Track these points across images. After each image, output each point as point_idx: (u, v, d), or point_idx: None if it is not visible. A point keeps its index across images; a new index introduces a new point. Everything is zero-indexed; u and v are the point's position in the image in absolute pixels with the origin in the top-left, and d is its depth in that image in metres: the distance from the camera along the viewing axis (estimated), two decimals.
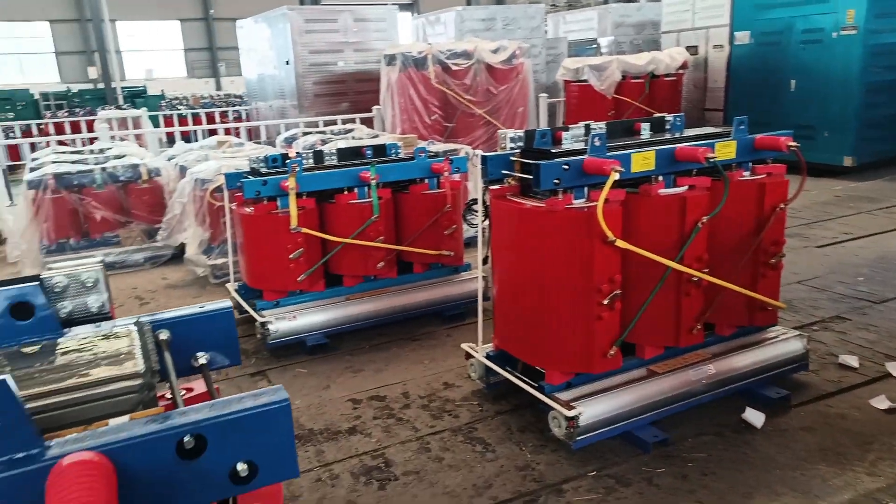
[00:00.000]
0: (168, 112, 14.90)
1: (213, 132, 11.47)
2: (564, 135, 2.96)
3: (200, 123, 13.25)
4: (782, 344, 3.11)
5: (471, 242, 5.36)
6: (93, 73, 36.50)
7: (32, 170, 6.04)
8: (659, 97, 9.48)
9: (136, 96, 25.62)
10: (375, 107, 9.38)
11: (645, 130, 3.20)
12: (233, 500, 0.88)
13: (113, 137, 9.17)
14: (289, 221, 3.79)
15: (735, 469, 2.57)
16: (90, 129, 13.25)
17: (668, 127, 3.30)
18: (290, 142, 7.33)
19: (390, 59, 8.68)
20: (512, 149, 2.97)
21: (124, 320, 1.13)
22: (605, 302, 2.62)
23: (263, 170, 4.05)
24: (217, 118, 14.52)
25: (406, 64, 8.39)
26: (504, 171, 2.91)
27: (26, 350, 0.97)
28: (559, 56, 12.36)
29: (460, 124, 8.62)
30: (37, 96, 25.23)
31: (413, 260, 4.32)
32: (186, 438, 0.79)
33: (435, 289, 4.33)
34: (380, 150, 4.38)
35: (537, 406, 2.90)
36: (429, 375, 3.52)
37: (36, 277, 1.10)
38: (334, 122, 9.13)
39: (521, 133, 3.05)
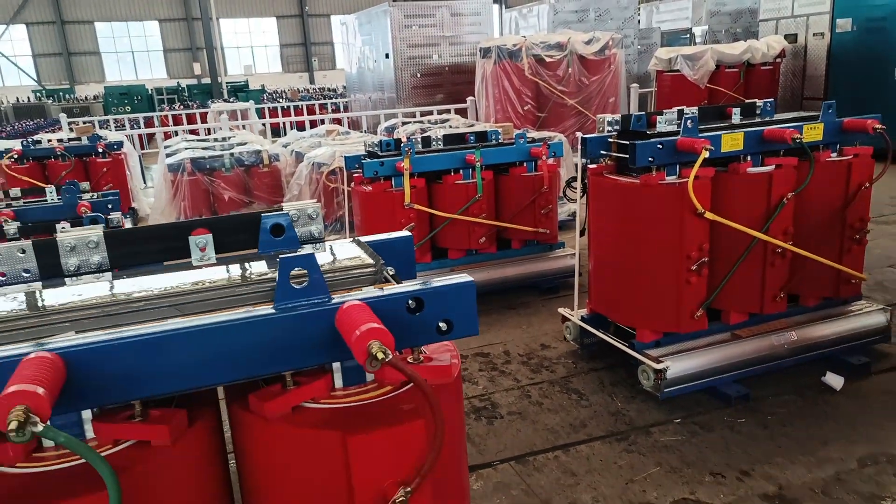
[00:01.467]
0: (272, 105, 15.90)
1: (312, 123, 12.25)
2: (659, 119, 3.25)
3: (301, 114, 14.10)
4: (865, 316, 3.28)
5: (563, 225, 5.68)
6: (197, 68, 38.90)
7: (168, 156, 6.83)
8: (755, 86, 9.39)
9: (238, 90, 27.24)
10: (470, 97, 9.80)
11: (736, 115, 3.44)
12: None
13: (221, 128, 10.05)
14: (402, 198, 4.25)
15: (813, 422, 2.80)
16: (203, 121, 14.38)
17: (758, 112, 3.51)
18: (390, 131, 7.86)
19: (485, 52, 9.06)
20: (609, 132, 3.29)
21: (340, 241, 1.57)
22: (694, 268, 2.91)
23: (379, 153, 4.54)
24: (317, 110, 15.35)
25: (501, 56, 8.75)
26: (602, 152, 3.23)
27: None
28: (651, 46, 12.37)
29: (552, 114, 8.91)
30: (150, 91, 27.24)
31: (511, 236, 4.70)
32: (410, 301, 1.20)
33: (531, 263, 4.70)
34: (481, 136, 4.78)
35: (628, 364, 3.22)
36: (527, 338, 3.90)
37: (281, 209, 1.55)
38: (430, 113, 9.62)
39: (618, 117, 3.38)
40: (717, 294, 3.03)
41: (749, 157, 3.04)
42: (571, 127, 8.77)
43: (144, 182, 9.16)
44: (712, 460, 2.60)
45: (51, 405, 0.90)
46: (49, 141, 7.00)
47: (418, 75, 10.47)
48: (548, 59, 8.74)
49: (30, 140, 6.87)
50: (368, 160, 4.40)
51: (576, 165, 3.32)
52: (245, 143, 7.07)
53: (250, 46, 41.19)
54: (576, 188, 3.53)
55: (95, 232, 1.43)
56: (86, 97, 29.91)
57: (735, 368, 3.06)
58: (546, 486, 2.52)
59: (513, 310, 4.38)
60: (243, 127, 11.46)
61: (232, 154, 6.52)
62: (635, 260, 3.04)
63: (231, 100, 20.58)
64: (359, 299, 1.15)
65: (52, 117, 22.67)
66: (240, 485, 1.27)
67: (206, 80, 32.91)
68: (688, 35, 13.23)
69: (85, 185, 3.87)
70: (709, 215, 2.85)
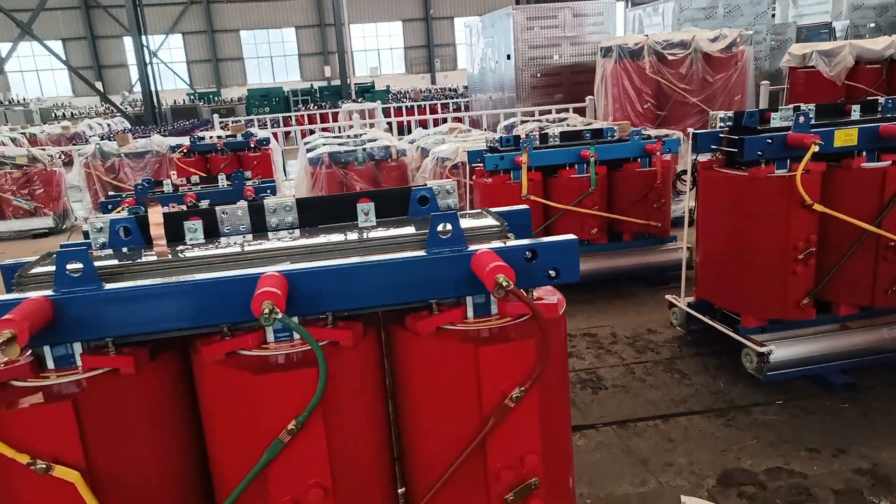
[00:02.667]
0: (397, 105, 16.74)
1: (435, 122, 12.84)
2: (773, 115, 3.38)
3: (424, 113, 14.78)
4: None
5: (677, 222, 5.76)
6: (328, 71, 41.18)
7: (308, 151, 7.57)
8: None
9: (365, 91, 28.65)
10: (589, 97, 9.95)
11: (855, 112, 3.48)
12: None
13: (352, 126, 10.84)
14: (520, 190, 4.59)
15: None
16: (334, 120, 15.43)
17: (880, 109, 3.53)
18: (509, 129, 8.21)
19: (606, 51, 9.19)
20: (721, 127, 3.46)
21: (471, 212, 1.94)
22: (800, 258, 3.03)
23: (499, 148, 4.90)
24: (439, 109, 16.01)
25: (622, 55, 8.85)
26: (713, 146, 3.41)
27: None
28: (786, 42, 11.87)
29: (672, 113, 8.88)
30: (287, 93, 29.26)
31: (623, 229, 4.91)
32: (527, 252, 1.54)
33: (641, 255, 4.88)
34: (597, 133, 5.02)
35: (732, 351, 3.37)
36: (634, 323, 4.11)
37: (426, 186, 1.95)
38: (549, 112, 9.87)
39: (730, 114, 3.52)
40: (825, 285, 3.13)
41: (864, 154, 3.11)
42: (692, 125, 8.69)
43: (285, 174, 10.10)
44: (809, 438, 2.74)
45: (284, 304, 1.33)
46: (210, 138, 7.98)
47: (538, 75, 10.75)
48: (670, 58, 8.73)
49: (195, 137, 7.87)
50: (489, 155, 4.78)
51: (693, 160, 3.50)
52: (375, 140, 7.68)
53: (377, 49, 43.06)
54: (685, 181, 3.70)
55: (290, 199, 1.90)
56: (231, 99, 32.64)
57: (841, 358, 3.14)
58: (644, 448, 2.77)
59: (621, 298, 4.60)
60: (371, 125, 12.27)
61: (364, 149, 7.14)
62: (743, 249, 3.20)
63: (359, 100, 21.79)
64: (489, 248, 1.51)
65: (202, 117, 25.05)
66: (392, 389, 1.66)
67: (336, 82, 34.84)
68: (827, 30, 12.55)
69: (248, 173, 4.54)
70: (817, 207, 2.96)
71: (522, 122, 8.51)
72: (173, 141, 8.46)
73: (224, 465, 1.51)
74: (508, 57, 10.56)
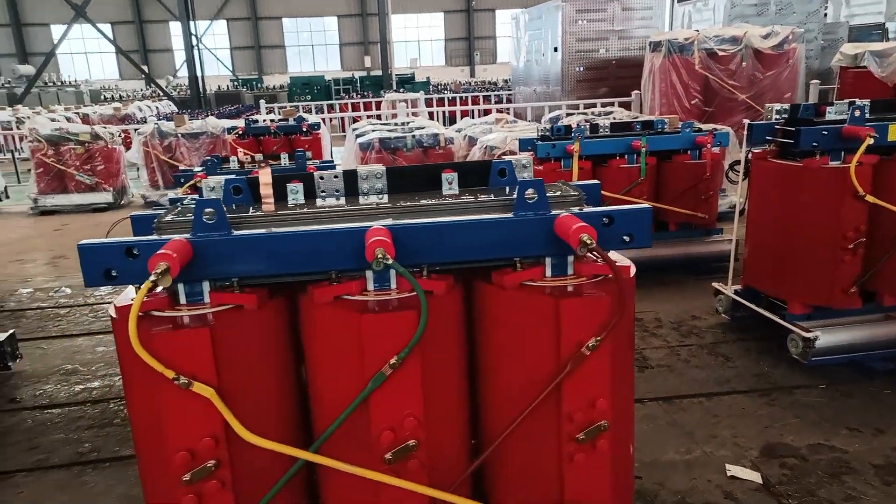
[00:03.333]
0: (438, 96, 16.90)
1: (477, 113, 12.97)
2: (829, 109, 3.46)
3: (466, 105, 14.91)
4: None
5: (723, 217, 5.83)
6: (368, 61, 41.52)
7: (357, 136, 7.79)
8: None
9: (405, 82, 28.87)
10: (635, 91, 10.00)
11: None
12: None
13: (395, 114, 11.04)
14: (570, 178, 4.72)
15: None
16: (377, 108, 15.66)
17: None
18: (554, 122, 8.31)
19: (655, 46, 9.21)
20: (777, 119, 3.55)
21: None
22: (850, 247, 3.12)
23: (551, 136, 5.04)
24: (480, 101, 16.12)
25: (671, 50, 8.87)
26: (767, 137, 3.50)
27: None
28: (837, 42, 11.72)
29: (720, 109, 8.88)
30: (328, 82, 29.63)
31: (669, 219, 5.01)
32: (605, 218, 1.70)
33: (686, 246, 4.98)
34: (647, 125, 5.13)
35: (777, 337, 3.47)
36: (678, 309, 4.23)
37: (505, 160, 2.12)
38: (594, 105, 9.93)
39: (786, 107, 3.62)
40: (871, 275, 3.21)
41: None
42: (740, 122, 8.67)
43: (331, 158, 10.36)
44: (850, 419, 2.85)
45: (393, 252, 1.51)
46: (264, 121, 8.26)
47: (584, 69, 10.81)
48: (720, 53, 8.73)
49: (250, 119, 8.16)
50: (542, 143, 4.92)
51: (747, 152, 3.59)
52: (423, 128, 7.87)
53: (417, 41, 43.22)
54: (738, 171, 3.81)
55: (381, 167, 2.09)
56: (272, 86, 33.17)
57: (884, 346, 3.22)
58: (689, 421, 2.91)
59: (665, 285, 4.71)
60: (415, 114, 12.47)
61: (413, 136, 7.34)
62: (793, 237, 3.30)
63: (400, 90, 22.01)
64: (574, 213, 1.67)
65: (245, 103, 25.56)
66: (476, 339, 1.84)
67: (375, 73, 35.15)
68: (880, 31, 12.32)
69: (308, 153, 4.77)
70: (869, 198, 3.05)
71: (568, 114, 8.62)
72: (228, 123, 8.77)
73: (327, 393, 1.70)
74: (556, 49, 10.65)
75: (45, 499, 2.59)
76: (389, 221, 1.67)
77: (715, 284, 3.94)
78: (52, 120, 10.18)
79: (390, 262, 1.50)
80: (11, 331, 3.75)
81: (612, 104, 9.90)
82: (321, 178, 2.06)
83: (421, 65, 41.92)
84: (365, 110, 15.86)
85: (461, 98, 15.88)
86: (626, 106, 10.05)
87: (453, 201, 1.86)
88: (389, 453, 1.63)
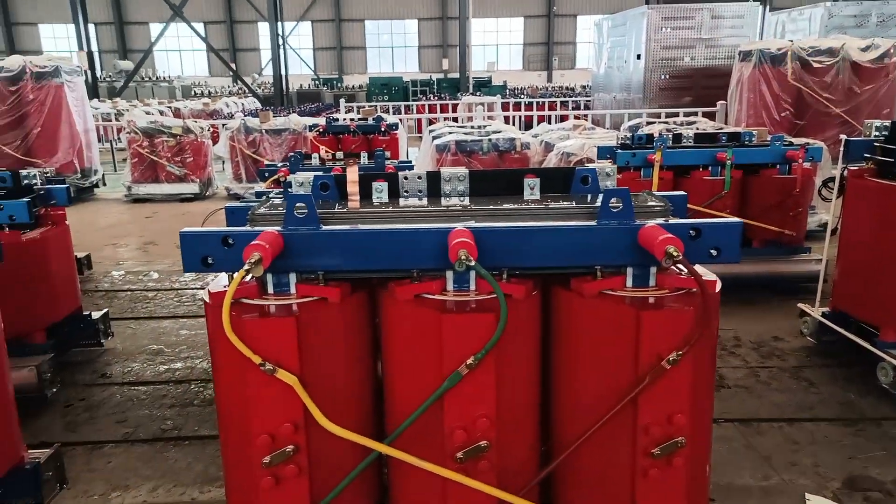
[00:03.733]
0: (515, 100, 16.84)
1: (553, 119, 12.86)
2: None
3: (543, 110, 14.80)
4: None
5: (810, 235, 5.56)
6: (445, 64, 41.85)
7: (434, 138, 7.87)
8: None
9: (482, 85, 28.94)
10: (720, 101, 9.67)
11: None
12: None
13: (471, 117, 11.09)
14: (650, 187, 4.62)
15: None
16: (453, 111, 15.76)
17: None
18: (633, 129, 8.14)
19: (745, 55, 8.88)
20: (875, 136, 3.36)
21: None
22: None
23: (632, 145, 4.94)
24: (557, 107, 15.96)
25: (762, 60, 8.53)
26: (865, 154, 3.33)
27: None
28: None
29: (812, 122, 8.46)
30: (406, 83, 30.05)
31: (753, 236, 4.82)
32: (692, 230, 1.67)
33: (771, 264, 4.78)
34: (734, 137, 4.95)
35: (866, 363, 3.29)
36: (759, 329, 4.07)
37: (585, 166, 2.11)
38: (676, 115, 9.67)
39: (887, 123, 3.42)
40: None
41: None
42: (833, 137, 8.24)
43: (408, 158, 10.52)
44: None
45: (476, 255, 1.53)
46: (343, 119, 8.48)
47: (667, 77, 10.55)
48: (815, 65, 8.32)
49: (331, 118, 8.39)
50: (621, 151, 4.83)
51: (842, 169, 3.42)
52: (499, 132, 7.87)
53: (495, 45, 43.25)
54: (832, 189, 3.63)
55: (464, 170, 2.11)
56: (352, 86, 33.94)
57: None
58: (768, 446, 2.80)
59: (746, 304, 4.53)
60: (490, 118, 12.48)
61: (490, 140, 7.35)
62: (888, 260, 3.12)
63: (477, 93, 22.09)
64: (655, 223, 1.64)
65: (325, 102, 26.27)
66: (552, 345, 1.83)
67: (453, 75, 35.34)
68: None
69: (387, 153, 4.87)
70: None
71: (648, 123, 8.42)
72: (309, 121, 9.05)
73: (402, 388, 1.74)
74: (638, 57, 10.44)
75: (131, 470, 2.74)
76: (473, 224, 1.69)
77: (801, 305, 3.77)
78: (147, 113, 10.78)
79: (472, 263, 1.51)
80: (105, 310, 3.99)
81: (695, 114, 9.61)
82: (405, 178, 2.11)
83: (498, 68, 41.88)
84: (441, 112, 16.00)
85: (538, 103, 15.77)
86: (711, 116, 9.74)
87: (536, 206, 1.86)
88: (461, 452, 1.65)
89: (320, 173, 2.13)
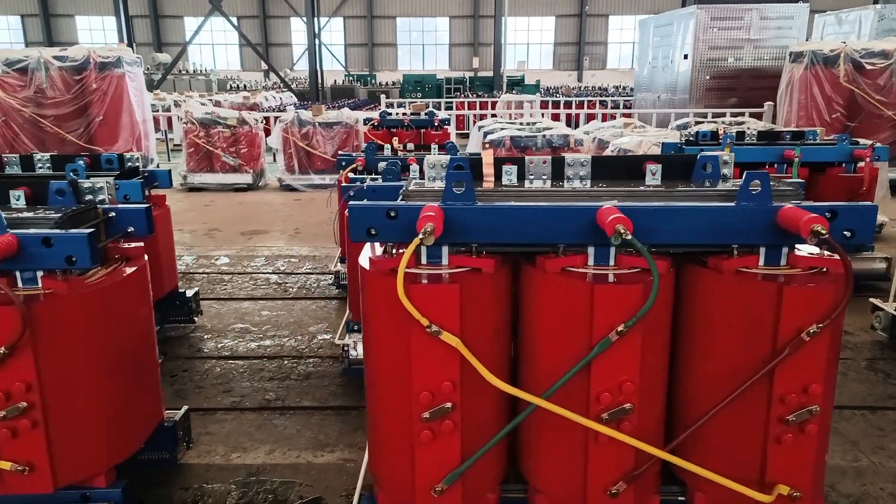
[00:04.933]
0: (553, 99, 16.94)
1: (591, 117, 12.92)
2: None
3: (582, 108, 14.84)
4: None
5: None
6: (475, 62, 41.96)
7: (485, 134, 8.00)
8: None
9: (515, 84, 28.95)
10: (767, 102, 9.68)
11: None
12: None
13: (511, 115, 11.21)
14: None
15: None
16: (492, 108, 15.87)
17: None
18: (682, 129, 8.20)
19: (796, 56, 8.89)
20: None
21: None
22: None
23: (698, 142, 5.03)
24: (597, 105, 16.00)
25: (814, 61, 8.53)
26: None
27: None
28: None
29: (863, 125, 8.46)
30: (440, 81, 30.13)
31: None
32: (828, 212, 1.78)
33: None
34: (798, 135, 5.02)
35: None
36: None
37: (705, 153, 2.23)
38: (722, 115, 9.69)
39: None
40: None
41: None
42: (886, 140, 8.23)
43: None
44: None
45: (632, 229, 1.66)
46: (397, 114, 8.64)
47: (712, 77, 10.55)
48: (868, 67, 8.32)
49: (385, 113, 8.56)
50: (689, 147, 4.92)
51: None
52: (550, 128, 7.98)
53: (526, 44, 43.23)
54: None
55: (586, 155, 2.24)
56: (384, 83, 34.16)
57: None
58: (853, 432, 2.89)
59: None
60: (531, 115, 12.59)
61: (544, 136, 7.46)
62: None
63: (514, 91, 22.18)
64: (792, 205, 1.76)
65: (359, 98, 26.52)
66: (685, 318, 1.95)
67: (483, 73, 35.42)
68: None
69: (457, 145, 5.01)
70: None
71: (697, 122, 8.47)
72: (361, 115, 9.23)
73: (547, 353, 1.86)
74: (685, 56, 10.46)
75: (244, 434, 2.92)
76: (617, 203, 1.81)
77: (874, 300, 3.84)
78: (202, 104, 11.07)
79: (629, 237, 1.64)
80: (196, 288, 4.19)
81: (741, 115, 9.61)
82: (531, 162, 2.24)
83: (528, 67, 41.86)
84: (481, 109, 16.11)
85: (577, 102, 15.83)
86: (757, 117, 9.73)
87: (666, 189, 1.98)
88: (606, 413, 1.78)
89: (394, 161, 2.26)
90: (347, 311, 3.80)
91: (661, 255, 1.85)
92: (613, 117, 12.25)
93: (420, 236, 1.68)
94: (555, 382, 1.79)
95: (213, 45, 43.81)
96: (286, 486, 2.56)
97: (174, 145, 13.57)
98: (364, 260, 1.94)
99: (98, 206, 2.26)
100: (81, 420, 2.03)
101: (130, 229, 2.28)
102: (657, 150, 6.31)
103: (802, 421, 1.75)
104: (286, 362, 3.65)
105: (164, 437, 2.47)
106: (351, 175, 3.95)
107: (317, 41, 27.81)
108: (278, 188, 9.40)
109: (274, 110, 16.94)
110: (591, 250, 1.85)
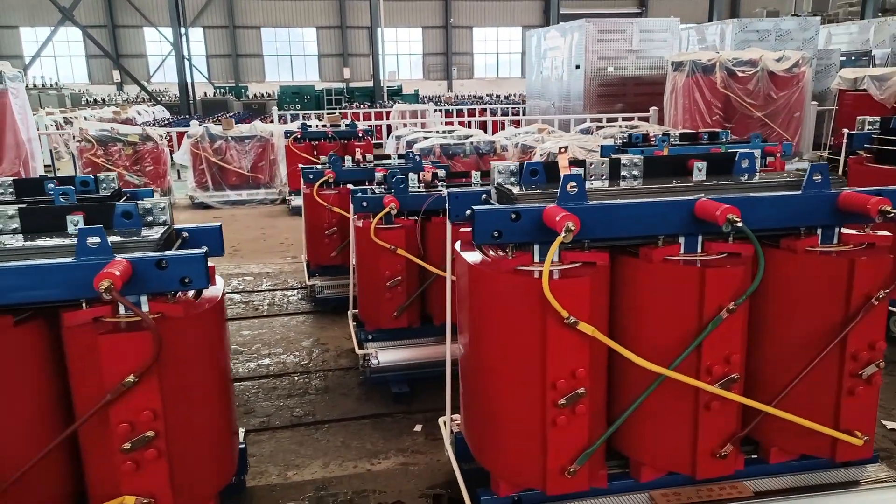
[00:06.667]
0: (448, 107, 17.33)
1: (482, 125, 13.41)
2: None
3: (473, 116, 15.34)
4: None
5: None
6: (347, 73, 41.81)
7: (408, 143, 8.14)
8: None
9: (395, 94, 29.25)
10: (652, 107, 10.60)
11: None
12: None
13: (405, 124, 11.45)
14: None
15: None
16: (377, 118, 15.95)
17: None
18: (585, 132, 8.82)
19: (678, 65, 9.83)
20: (870, 130, 4.07)
21: None
22: None
23: (639, 144, 5.49)
24: (487, 113, 16.59)
25: (694, 69, 9.49)
26: (865, 145, 4.01)
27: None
28: (829, 66, 12.57)
29: (738, 125, 9.51)
30: (319, 92, 29.65)
31: None
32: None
33: None
34: (713, 136, 5.65)
35: None
36: None
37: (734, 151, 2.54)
38: (615, 120, 10.49)
39: (877, 119, 4.14)
40: None
41: None
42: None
43: None
44: None
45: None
46: (317, 126, 8.55)
47: (600, 85, 11.39)
48: (740, 74, 9.39)
49: (305, 125, 8.44)
50: (632, 149, 5.36)
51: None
52: (470, 136, 8.28)
53: (396, 54, 43.69)
54: None
55: (639, 157, 2.47)
56: (260, 94, 33.05)
57: None
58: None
59: None
60: (423, 125, 12.86)
61: (472, 143, 7.73)
62: None
63: (397, 101, 22.39)
64: (852, 191, 2.08)
65: (233, 111, 25.53)
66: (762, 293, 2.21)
67: (354, 84, 35.39)
68: (867, 57, 13.28)
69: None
70: None
71: (599, 127, 9.13)
72: (275, 128, 9.03)
73: (655, 334, 2.05)
74: (577, 67, 11.20)
75: (289, 452, 2.86)
76: (704, 196, 2.05)
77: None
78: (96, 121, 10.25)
79: (740, 224, 1.87)
80: None
81: (631, 119, 10.47)
82: (591, 164, 2.44)
83: (399, 77, 42.32)
84: (364, 119, 16.13)
85: (468, 110, 16.35)
86: (644, 121, 10.62)
87: (737, 182, 2.25)
88: (717, 384, 2.00)
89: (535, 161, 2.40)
90: (351, 322, 3.81)
91: (743, 241, 2.11)
92: (503, 125, 12.85)
93: (562, 234, 1.81)
94: (663, 359, 1.99)
95: (56, 56, 40.23)
96: (360, 496, 2.57)
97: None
98: (474, 263, 2.04)
99: (173, 227, 2.17)
100: (197, 445, 1.96)
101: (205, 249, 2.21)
102: (581, 154, 6.79)
103: (871, 374, 2.07)
104: (297, 378, 3.59)
105: (241, 458, 2.40)
106: (353, 186, 3.94)
107: (188, 52, 26.47)
108: (190, 206, 8.94)
109: (149, 125, 15.95)
110: (682, 240, 2.07)
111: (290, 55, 42.74)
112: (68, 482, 1.99)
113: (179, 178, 9.32)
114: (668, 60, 10.27)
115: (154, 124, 16.17)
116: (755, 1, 25.77)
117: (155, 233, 2.00)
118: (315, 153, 8.21)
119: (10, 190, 3.07)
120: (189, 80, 26.13)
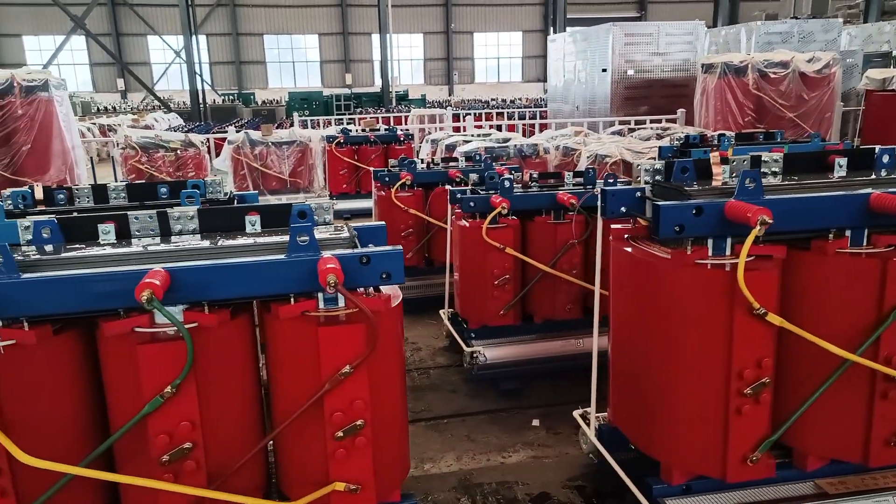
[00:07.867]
0: (466, 111, 17.40)
1: (497, 128, 13.45)
2: None
3: (491, 120, 15.41)
4: None
5: None
6: (349, 79, 41.96)
7: (447, 147, 8.21)
8: None
9: (401, 99, 29.40)
10: (680, 109, 10.68)
11: None
12: None
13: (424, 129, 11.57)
14: None
15: None
16: (399, 123, 16.04)
17: None
18: (616, 135, 8.90)
19: (708, 67, 9.92)
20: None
21: None
22: None
23: (698, 145, 5.57)
24: (505, 117, 16.65)
25: (726, 71, 9.58)
26: None
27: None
28: (852, 67, 12.69)
29: (770, 126, 9.59)
30: (328, 97, 29.74)
31: None
32: None
33: None
34: (769, 136, 5.74)
35: None
36: None
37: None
38: (643, 122, 10.58)
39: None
40: None
41: None
42: (789, 138, 9.42)
43: None
44: None
45: None
46: (358, 131, 8.62)
47: (626, 88, 11.49)
48: (772, 75, 9.48)
49: (346, 130, 8.51)
50: (695, 150, 5.44)
51: None
52: (509, 139, 8.35)
53: (398, 59, 43.82)
54: None
55: (778, 153, 2.54)
56: (270, 101, 33.08)
57: None
58: None
59: None
60: (441, 128, 12.93)
61: (515, 146, 7.80)
62: None
63: (407, 106, 22.49)
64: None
65: (242, 117, 25.58)
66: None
67: (357, 89, 35.53)
68: (880, 58, 13.42)
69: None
70: None
71: (630, 130, 9.21)
72: (316, 132, 9.10)
73: (832, 325, 2.06)
74: (604, 70, 11.29)
75: (420, 446, 2.92)
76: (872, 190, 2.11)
77: None
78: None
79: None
80: None
81: (658, 121, 10.55)
82: (733, 161, 2.51)
83: (401, 82, 42.47)
84: (395, 124, 16.19)
85: (486, 114, 16.41)
86: (673, 122, 10.71)
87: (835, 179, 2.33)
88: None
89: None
90: (446, 320, 3.87)
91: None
92: (530, 130, 12.93)
93: (756, 228, 1.87)
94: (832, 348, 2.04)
95: (59, 65, 40.26)
96: (505, 486, 2.63)
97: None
98: (653, 258, 2.11)
99: (347, 227, 2.22)
100: (393, 435, 2.02)
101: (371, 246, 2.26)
102: (628, 156, 6.87)
103: None
104: None
105: None
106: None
107: (198, 60, 26.56)
108: None
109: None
110: (848, 233, 2.13)
111: (293, 62, 42.90)
112: (264, 473, 2.04)
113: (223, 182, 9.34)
114: (698, 63, 10.37)
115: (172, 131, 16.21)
116: (753, 5, 26.06)
117: (342, 231, 2.06)
118: (356, 157, 8.29)
119: (123, 194, 3.16)
120: (201, 88, 26.21)
